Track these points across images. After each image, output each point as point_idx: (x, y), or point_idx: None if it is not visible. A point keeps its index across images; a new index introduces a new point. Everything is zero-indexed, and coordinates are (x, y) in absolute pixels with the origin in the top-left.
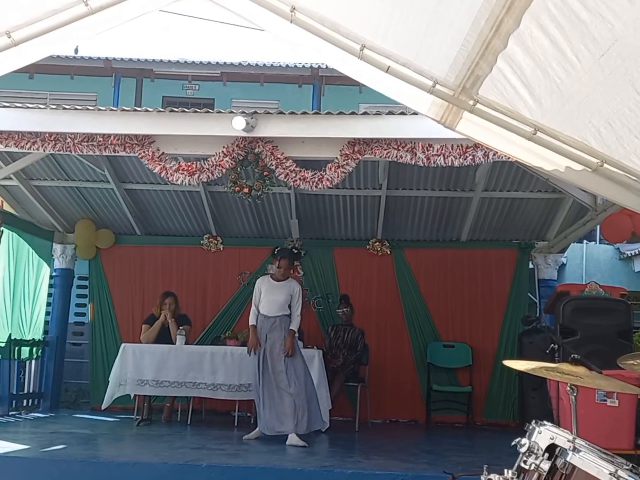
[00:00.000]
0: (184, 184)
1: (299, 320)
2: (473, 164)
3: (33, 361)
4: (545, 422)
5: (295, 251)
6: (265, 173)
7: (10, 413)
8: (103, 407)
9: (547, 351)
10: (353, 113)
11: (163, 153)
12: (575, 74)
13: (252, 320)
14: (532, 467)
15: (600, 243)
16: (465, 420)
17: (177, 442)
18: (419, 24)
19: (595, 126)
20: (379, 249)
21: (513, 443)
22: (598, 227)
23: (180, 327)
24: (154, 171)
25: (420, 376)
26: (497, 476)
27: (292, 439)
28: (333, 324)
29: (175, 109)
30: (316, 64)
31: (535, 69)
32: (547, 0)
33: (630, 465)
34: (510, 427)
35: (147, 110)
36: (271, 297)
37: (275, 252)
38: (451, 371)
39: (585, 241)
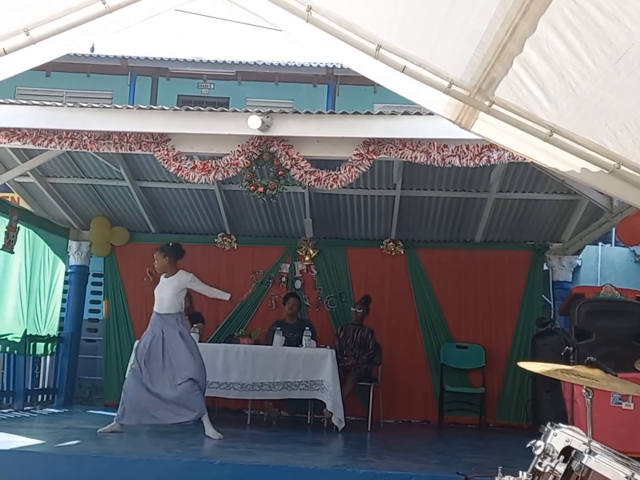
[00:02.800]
0: (199, 182)
1: (216, 290)
2: (488, 164)
3: (48, 357)
4: (560, 425)
5: (170, 244)
6: (280, 172)
7: (25, 408)
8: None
9: (562, 353)
10: (368, 113)
11: (178, 152)
12: (591, 77)
13: None
14: (548, 470)
15: (615, 245)
16: (477, 422)
17: (190, 439)
18: (434, 25)
19: (611, 129)
20: (392, 249)
21: (528, 445)
22: (614, 229)
23: (194, 325)
24: (169, 170)
25: (433, 377)
26: (511, 478)
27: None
28: (342, 324)
29: (191, 108)
30: (331, 63)
31: (550, 72)
32: (562, 5)
33: None
34: (522, 429)
35: (163, 109)
36: (158, 294)
37: None
38: (464, 372)
39: (600, 243)
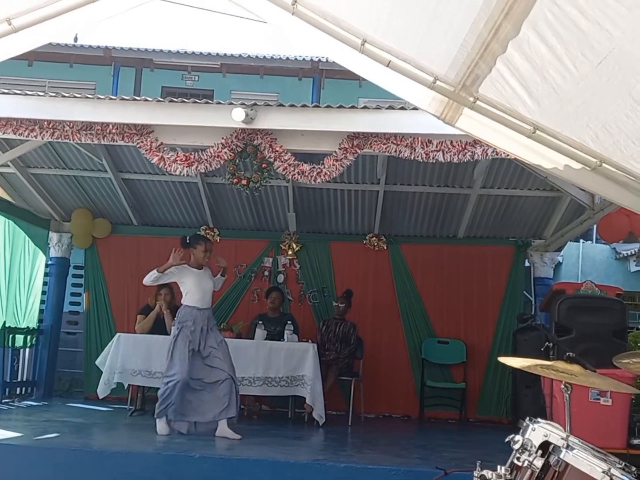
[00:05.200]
0: (181, 174)
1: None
2: (472, 160)
3: (27, 349)
4: (539, 420)
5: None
6: (263, 165)
7: (4, 401)
8: (100, 396)
9: (542, 349)
10: (353, 107)
11: (161, 143)
12: (573, 80)
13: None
14: (525, 464)
15: (596, 242)
16: (458, 417)
17: (171, 433)
18: (419, 21)
19: (592, 129)
20: (375, 243)
21: (507, 440)
22: (595, 226)
23: (175, 319)
24: (151, 161)
25: (414, 372)
26: (490, 472)
27: (223, 429)
28: (324, 319)
29: (175, 99)
30: (316, 57)
31: (533, 73)
32: (545, 8)
33: (623, 464)
34: (502, 424)
35: (146, 100)
36: (205, 285)
37: (189, 240)
38: (445, 367)
39: (581, 240)
